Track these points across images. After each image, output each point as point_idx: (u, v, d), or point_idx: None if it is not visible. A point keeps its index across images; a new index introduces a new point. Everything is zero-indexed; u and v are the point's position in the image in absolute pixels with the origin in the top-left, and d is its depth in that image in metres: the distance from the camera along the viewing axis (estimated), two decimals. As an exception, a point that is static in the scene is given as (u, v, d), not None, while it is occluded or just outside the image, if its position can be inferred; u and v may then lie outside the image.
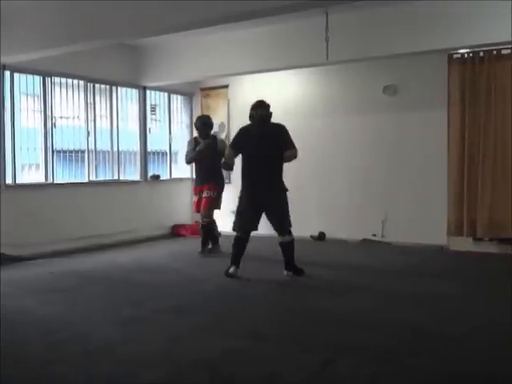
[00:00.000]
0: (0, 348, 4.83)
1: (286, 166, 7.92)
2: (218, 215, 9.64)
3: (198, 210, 9.95)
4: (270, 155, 7.76)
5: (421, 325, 5.56)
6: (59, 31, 8.14)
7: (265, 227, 8.02)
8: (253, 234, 7.85)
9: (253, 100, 11.75)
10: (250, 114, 7.97)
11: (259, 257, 9.08)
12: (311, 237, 11.31)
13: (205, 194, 9.68)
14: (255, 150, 7.78)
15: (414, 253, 9.74)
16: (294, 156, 7.88)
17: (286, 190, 7.89)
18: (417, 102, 10.39)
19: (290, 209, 7.86)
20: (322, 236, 11.32)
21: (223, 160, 8.21)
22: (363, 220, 10.95)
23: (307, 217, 11.29)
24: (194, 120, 10.48)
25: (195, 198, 9.94)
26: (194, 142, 10.02)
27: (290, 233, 7.85)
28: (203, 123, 9.89)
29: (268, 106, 7.95)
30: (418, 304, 6.40)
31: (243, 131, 8.08)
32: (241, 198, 7.92)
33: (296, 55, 9.76)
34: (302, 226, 11.26)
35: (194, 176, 10.40)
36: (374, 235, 10.82)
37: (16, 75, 9.60)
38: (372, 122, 10.87)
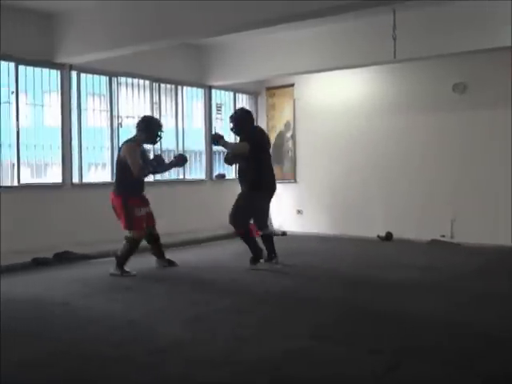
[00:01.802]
0: (67, 346, 4.73)
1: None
2: (282, 214, 9.37)
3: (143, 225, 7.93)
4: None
5: (491, 327, 5.19)
6: (125, 31, 8.05)
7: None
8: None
9: (320, 99, 11.72)
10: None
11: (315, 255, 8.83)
12: (378, 237, 10.93)
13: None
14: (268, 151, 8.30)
15: (484, 253, 9.26)
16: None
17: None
18: (486, 99, 9.87)
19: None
20: (389, 236, 10.87)
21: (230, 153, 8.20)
22: (431, 220, 10.45)
23: (374, 217, 11.02)
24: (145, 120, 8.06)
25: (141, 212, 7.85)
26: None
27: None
28: (158, 125, 8.07)
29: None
30: (488, 306, 5.99)
31: (262, 131, 8.53)
32: (255, 196, 8.04)
33: (362, 53, 9.45)
34: (369, 226, 10.94)
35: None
36: (443, 236, 10.26)
37: (83, 75, 9.46)
38: (439, 120, 10.41)
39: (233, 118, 8.30)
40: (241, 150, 7.95)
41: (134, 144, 7.72)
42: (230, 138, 9.29)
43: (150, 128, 7.84)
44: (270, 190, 8.27)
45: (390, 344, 4.73)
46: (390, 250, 10.02)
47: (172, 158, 8.62)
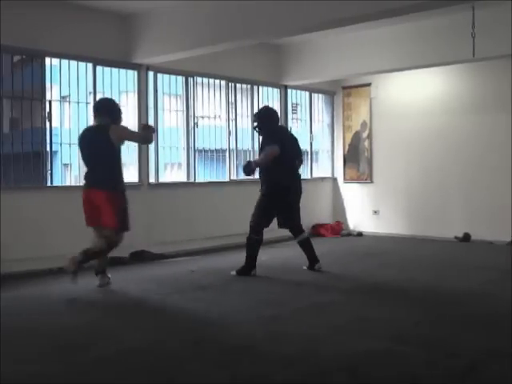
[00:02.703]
0: (145, 345, 4.67)
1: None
2: (358, 215, 9.15)
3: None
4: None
5: None
6: (202, 32, 7.90)
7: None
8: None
9: (397, 98, 11.33)
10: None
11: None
12: (455, 238, 10.46)
13: None
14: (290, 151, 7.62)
15: None
16: None
17: None
18: None
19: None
20: (467, 237, 10.37)
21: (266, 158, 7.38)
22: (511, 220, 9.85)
23: (451, 217, 10.60)
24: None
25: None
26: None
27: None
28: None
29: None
30: None
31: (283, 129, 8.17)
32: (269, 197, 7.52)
33: (440, 52, 9.08)
34: (446, 227, 10.46)
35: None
36: (524, 236, 9.69)
37: (159, 75, 9.30)
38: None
39: (257, 117, 7.81)
40: (273, 155, 7.32)
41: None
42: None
43: (114, 111, 6.83)
44: (295, 191, 7.70)
45: (470, 347, 4.52)
46: (467, 251, 9.63)
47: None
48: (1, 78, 7.46)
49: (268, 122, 7.64)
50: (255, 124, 7.79)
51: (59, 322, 5.37)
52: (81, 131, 7.10)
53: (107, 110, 6.77)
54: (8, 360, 4.26)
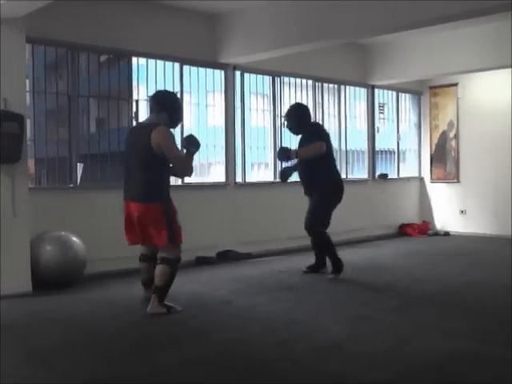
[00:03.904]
0: (232, 346, 4.45)
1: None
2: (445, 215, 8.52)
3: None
4: None
5: None
6: (289, 32, 7.45)
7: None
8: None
9: (484, 98, 10.46)
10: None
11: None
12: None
13: None
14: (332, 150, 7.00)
15: None
16: None
17: None
18: None
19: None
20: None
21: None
22: None
23: None
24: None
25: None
26: None
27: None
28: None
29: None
30: None
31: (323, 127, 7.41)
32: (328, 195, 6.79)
33: None
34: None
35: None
36: None
37: (246, 75, 8.72)
38: None
39: (291, 115, 6.89)
40: (317, 151, 6.52)
41: (166, 128, 5.17)
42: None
43: (175, 107, 5.39)
44: (342, 190, 6.95)
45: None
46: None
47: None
48: (88, 78, 7.04)
49: (304, 119, 6.84)
50: (289, 124, 6.93)
51: (144, 321, 5.06)
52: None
53: (162, 106, 5.24)
54: (101, 360, 4.07)
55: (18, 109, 5.87)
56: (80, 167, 7.34)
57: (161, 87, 7.51)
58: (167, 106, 5.24)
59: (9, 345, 4.40)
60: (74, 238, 6.35)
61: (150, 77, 7.59)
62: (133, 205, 5.06)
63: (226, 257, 8.08)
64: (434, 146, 11.33)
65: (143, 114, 7.58)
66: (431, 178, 11.41)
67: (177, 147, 5.18)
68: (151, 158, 4.99)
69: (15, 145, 5.80)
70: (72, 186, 7.04)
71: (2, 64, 5.82)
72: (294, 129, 6.94)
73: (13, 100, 5.85)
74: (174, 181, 8.00)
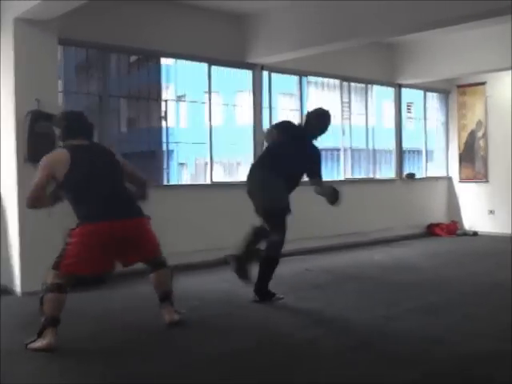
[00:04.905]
0: (258, 342, 4.50)
1: None
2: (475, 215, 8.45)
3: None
4: None
5: None
6: (317, 31, 7.45)
7: None
8: None
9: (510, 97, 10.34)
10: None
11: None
12: None
13: None
14: None
15: None
16: None
17: None
18: None
19: None
20: None
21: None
22: None
23: None
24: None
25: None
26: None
27: None
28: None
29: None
30: None
31: None
32: None
33: None
34: None
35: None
36: None
37: (273, 75, 8.73)
38: None
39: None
40: None
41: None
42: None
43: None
44: None
45: None
46: None
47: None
48: (118, 79, 7.12)
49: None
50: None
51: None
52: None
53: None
54: (133, 357, 4.12)
55: (51, 109, 5.93)
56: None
57: (189, 87, 7.60)
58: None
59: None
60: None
61: (178, 77, 7.68)
62: (121, 223, 4.44)
63: (256, 256, 8.08)
64: (462, 146, 11.22)
65: (172, 114, 7.69)
66: (460, 178, 11.31)
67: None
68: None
69: (48, 144, 5.87)
70: (103, 184, 7.11)
71: (36, 65, 5.94)
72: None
73: (46, 100, 5.95)
74: (204, 180, 8.12)
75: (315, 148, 6.00)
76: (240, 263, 5.74)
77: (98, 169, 4.50)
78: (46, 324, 4.21)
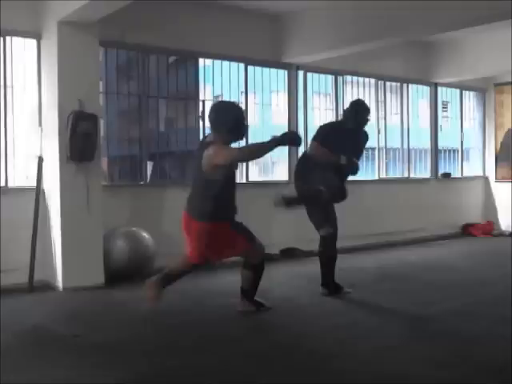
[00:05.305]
0: (295, 339, 4.53)
1: None
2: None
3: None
4: None
5: None
6: (351, 31, 7.47)
7: None
8: None
9: None
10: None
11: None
12: None
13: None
14: None
15: None
16: None
17: None
18: None
19: None
20: None
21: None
22: None
23: None
24: None
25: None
26: None
27: None
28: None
29: None
30: None
31: None
32: None
33: None
34: None
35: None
36: None
37: (309, 75, 8.77)
38: None
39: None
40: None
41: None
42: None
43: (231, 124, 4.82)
44: None
45: None
46: None
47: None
48: (157, 79, 7.24)
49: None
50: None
51: (209, 316, 5.21)
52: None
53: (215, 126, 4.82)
54: (170, 352, 4.18)
55: (92, 109, 6.11)
56: (150, 165, 7.54)
57: (226, 87, 7.67)
58: (219, 125, 4.78)
59: (78, 334, 4.56)
60: (144, 234, 6.57)
61: (215, 77, 7.75)
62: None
63: (289, 254, 8.12)
64: (499, 145, 11.10)
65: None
66: (496, 177, 11.18)
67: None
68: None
69: (90, 144, 6.05)
70: (142, 183, 7.28)
71: (78, 67, 6.10)
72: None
73: (87, 101, 6.10)
74: (239, 178, 8.19)
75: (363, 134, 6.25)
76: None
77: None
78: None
